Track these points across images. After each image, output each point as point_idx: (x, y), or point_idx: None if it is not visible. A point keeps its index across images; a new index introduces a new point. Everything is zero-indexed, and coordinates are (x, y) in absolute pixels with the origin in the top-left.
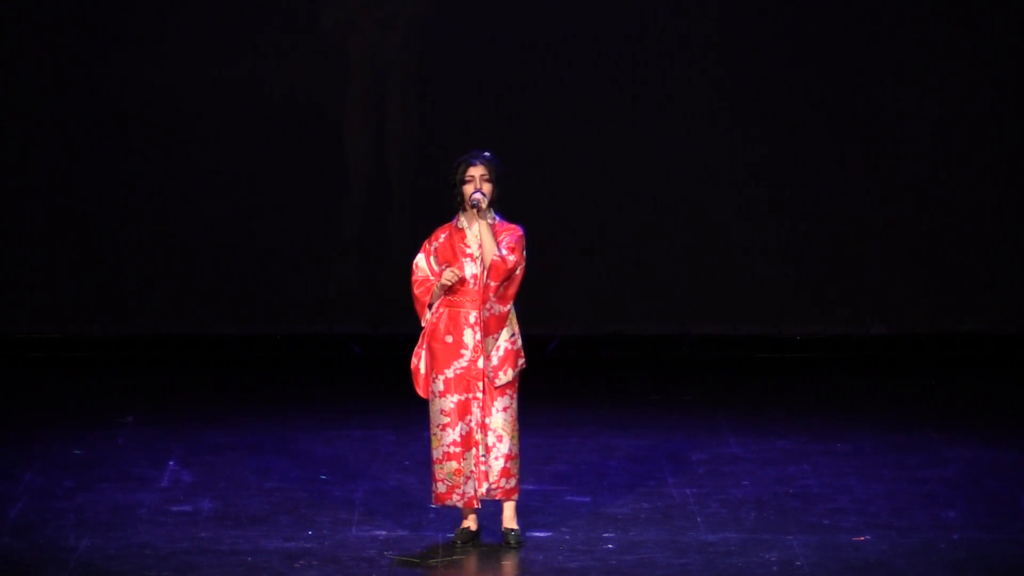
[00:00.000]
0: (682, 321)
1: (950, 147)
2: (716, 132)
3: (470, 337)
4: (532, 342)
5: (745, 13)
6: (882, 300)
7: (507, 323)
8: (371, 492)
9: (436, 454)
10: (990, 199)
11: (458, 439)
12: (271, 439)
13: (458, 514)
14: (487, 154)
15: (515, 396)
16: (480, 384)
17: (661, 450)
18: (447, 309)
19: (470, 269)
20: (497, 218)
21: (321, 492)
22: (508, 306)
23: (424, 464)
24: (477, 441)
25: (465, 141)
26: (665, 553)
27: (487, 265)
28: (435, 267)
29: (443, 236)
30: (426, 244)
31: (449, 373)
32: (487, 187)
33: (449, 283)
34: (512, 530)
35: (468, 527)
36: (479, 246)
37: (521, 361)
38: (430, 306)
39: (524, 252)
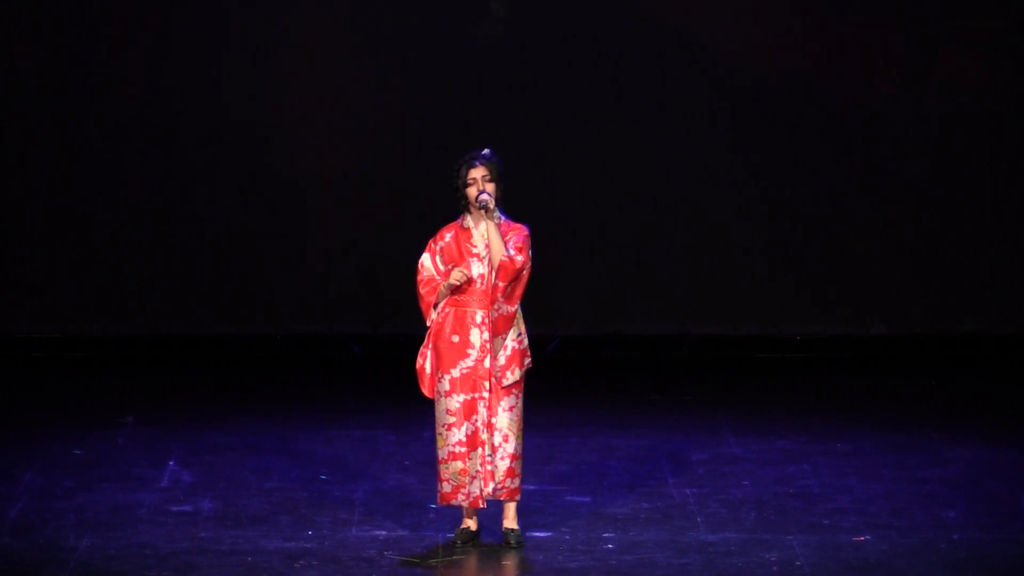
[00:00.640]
0: (682, 321)
1: (950, 147)
2: (716, 132)
3: (476, 337)
4: (532, 342)
5: (744, 13)
6: (882, 300)
7: (514, 323)
8: (371, 492)
9: (441, 454)
10: (990, 199)
11: (463, 439)
12: (271, 439)
13: (458, 514)
14: (486, 152)
15: (521, 396)
16: (486, 384)
17: (661, 450)
18: (453, 309)
19: (476, 269)
20: (503, 217)
21: (321, 492)
22: (515, 306)
23: (424, 464)
24: (483, 441)
25: (465, 141)
26: (665, 553)
27: (495, 266)
28: (441, 267)
29: (448, 236)
30: (431, 243)
31: (455, 373)
32: (490, 187)
33: (458, 283)
34: (512, 530)
35: (468, 527)
36: (485, 246)
37: (527, 360)
38: (435, 306)
39: (530, 251)
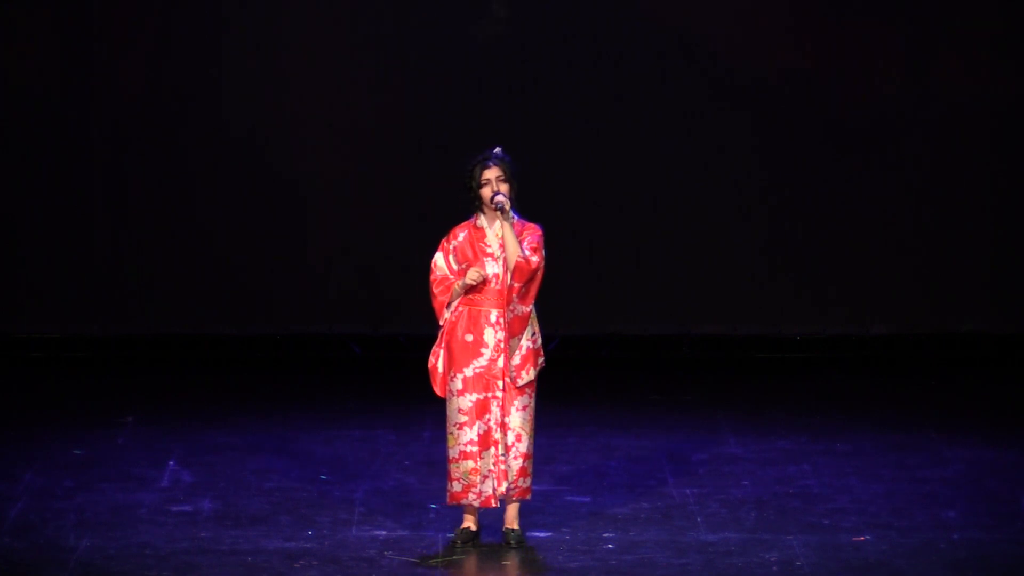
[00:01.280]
0: (682, 321)
1: (950, 147)
2: (716, 132)
3: (491, 336)
4: None
5: (744, 13)
6: (882, 300)
7: (529, 322)
8: (371, 492)
9: (452, 453)
10: (990, 199)
11: (475, 438)
12: (271, 439)
13: (458, 514)
14: (498, 152)
15: (533, 395)
16: (500, 383)
17: (661, 450)
18: (467, 308)
19: (491, 268)
20: (516, 217)
21: (321, 492)
22: (530, 306)
23: (424, 464)
24: (496, 440)
25: (465, 141)
26: (665, 553)
27: (511, 266)
28: (454, 266)
29: (462, 235)
30: (444, 242)
31: (468, 372)
32: (504, 187)
33: (474, 283)
34: (513, 530)
35: (468, 527)
36: (500, 246)
37: (540, 360)
38: (448, 305)
39: (544, 251)
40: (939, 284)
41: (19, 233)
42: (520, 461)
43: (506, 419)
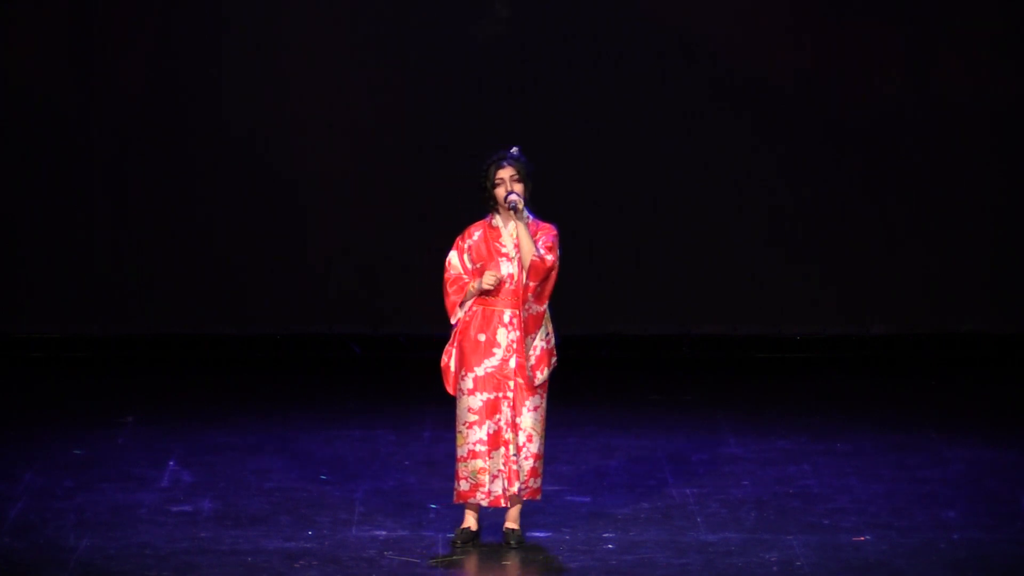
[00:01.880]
0: (682, 321)
1: (950, 147)
2: (716, 132)
3: (503, 336)
4: None
5: (745, 13)
6: (882, 300)
7: (543, 322)
8: (371, 492)
9: (461, 452)
10: (990, 199)
11: (484, 438)
12: (271, 439)
13: (458, 514)
14: (514, 152)
15: (545, 396)
16: (511, 383)
17: (661, 450)
18: (481, 308)
19: (505, 268)
20: (531, 217)
21: (321, 492)
22: (544, 305)
23: (424, 464)
24: (507, 440)
25: (465, 141)
26: (665, 553)
27: (526, 266)
28: (468, 265)
29: (477, 234)
30: (459, 241)
31: (479, 371)
32: (518, 187)
33: (490, 287)
34: (513, 530)
35: (469, 527)
36: (515, 246)
37: (554, 360)
38: (462, 305)
39: (559, 250)
40: (939, 284)
41: (19, 233)
42: (531, 462)
43: (517, 419)
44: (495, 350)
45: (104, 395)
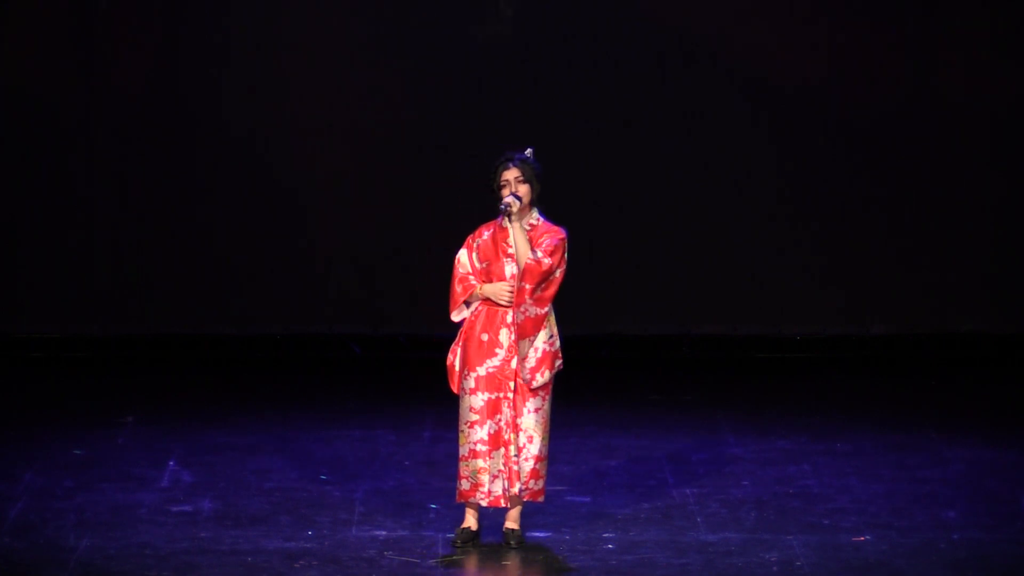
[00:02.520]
0: (682, 321)
1: (950, 147)
2: (716, 132)
3: (506, 336)
4: None
5: (745, 13)
6: (882, 300)
7: (545, 325)
8: (371, 492)
9: (462, 451)
10: (990, 199)
11: (485, 437)
12: (271, 439)
13: (458, 514)
14: (527, 153)
15: (548, 398)
16: (512, 384)
17: (661, 450)
18: (486, 308)
19: (510, 269)
20: (541, 219)
21: (321, 492)
22: (545, 308)
23: (424, 464)
24: (508, 440)
25: (465, 141)
26: (665, 553)
27: (520, 268)
28: (477, 264)
29: (487, 234)
30: (469, 240)
31: (481, 371)
32: (523, 188)
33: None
34: (513, 530)
35: (469, 527)
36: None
37: (558, 363)
38: (468, 304)
39: (565, 255)
40: (939, 284)
41: (19, 233)
42: (532, 463)
43: (518, 420)
44: (497, 350)
45: (104, 395)
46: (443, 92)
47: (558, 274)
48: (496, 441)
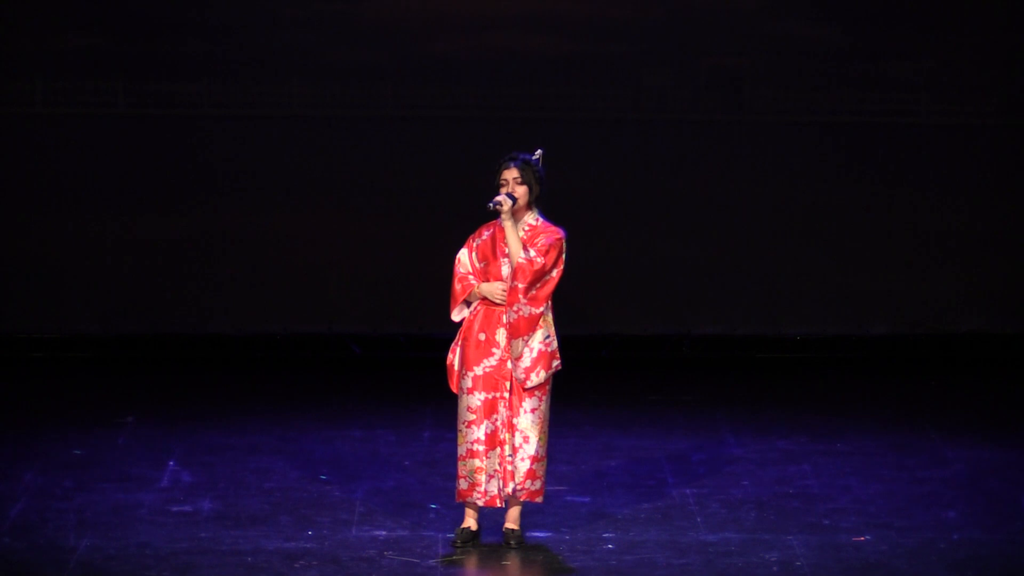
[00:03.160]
0: (682, 321)
1: (951, 147)
2: (717, 133)
3: (503, 336)
4: None
5: (745, 13)
6: (882, 300)
7: (541, 324)
8: (371, 492)
9: (460, 451)
10: (990, 199)
11: (482, 437)
12: (271, 439)
13: (458, 514)
14: (536, 155)
15: (545, 398)
16: (507, 384)
17: (661, 450)
18: (484, 307)
19: (507, 269)
20: (540, 219)
21: (321, 492)
22: (540, 308)
23: (424, 464)
24: (503, 440)
25: (466, 141)
26: (665, 553)
27: (512, 266)
28: (476, 263)
29: (487, 233)
30: (470, 240)
31: (478, 371)
32: (520, 189)
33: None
34: (513, 531)
35: (469, 527)
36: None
37: (556, 363)
38: (468, 304)
39: (562, 255)
40: (939, 284)
41: (19, 233)
42: (527, 463)
43: (514, 420)
44: (494, 350)
45: (104, 395)
46: (443, 92)
47: (555, 274)
48: (492, 441)
